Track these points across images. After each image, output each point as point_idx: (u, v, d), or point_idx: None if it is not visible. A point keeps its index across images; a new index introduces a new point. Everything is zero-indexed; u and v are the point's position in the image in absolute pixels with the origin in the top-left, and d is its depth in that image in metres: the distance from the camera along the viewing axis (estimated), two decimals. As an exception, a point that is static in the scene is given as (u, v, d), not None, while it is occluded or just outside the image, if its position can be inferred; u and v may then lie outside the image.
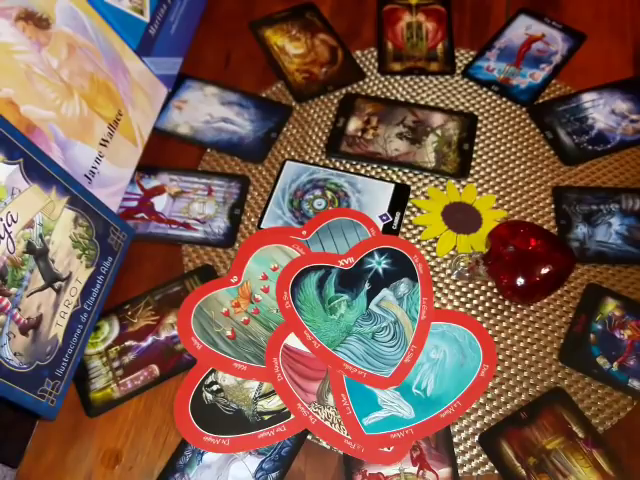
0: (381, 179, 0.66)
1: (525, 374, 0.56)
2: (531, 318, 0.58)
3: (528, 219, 0.64)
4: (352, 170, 0.67)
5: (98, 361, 0.57)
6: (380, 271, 0.59)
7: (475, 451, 0.53)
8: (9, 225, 0.47)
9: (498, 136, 0.69)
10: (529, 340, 0.57)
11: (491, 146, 0.68)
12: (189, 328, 0.57)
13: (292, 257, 0.60)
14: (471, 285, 0.60)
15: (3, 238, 0.47)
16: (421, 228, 0.63)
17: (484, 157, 0.68)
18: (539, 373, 0.56)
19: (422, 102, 0.72)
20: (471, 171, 0.66)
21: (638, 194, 0.64)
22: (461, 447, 0.53)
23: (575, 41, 0.75)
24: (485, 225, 0.63)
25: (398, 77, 0.74)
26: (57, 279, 0.53)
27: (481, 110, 0.71)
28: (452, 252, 0.62)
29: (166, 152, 0.69)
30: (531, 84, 0.72)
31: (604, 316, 0.57)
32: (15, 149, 0.49)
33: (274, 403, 0.54)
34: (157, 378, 0.56)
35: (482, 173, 0.67)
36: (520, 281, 0.56)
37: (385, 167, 0.67)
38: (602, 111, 0.69)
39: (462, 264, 0.60)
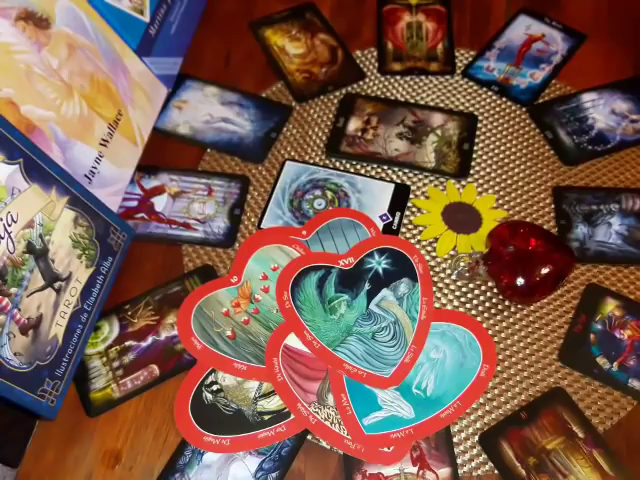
0: (381, 179, 0.66)
1: (525, 374, 0.56)
2: (531, 318, 0.58)
3: (528, 219, 0.64)
4: (352, 170, 0.67)
5: (98, 361, 0.57)
6: (380, 271, 0.59)
7: (475, 451, 0.53)
8: (9, 225, 0.47)
9: (498, 136, 0.69)
10: (529, 340, 0.57)
11: (491, 146, 0.68)
12: (189, 328, 0.57)
13: (292, 257, 0.60)
14: (471, 285, 0.60)
15: (3, 238, 0.47)
16: (421, 228, 0.63)
17: (484, 157, 0.68)
18: (539, 373, 0.56)
19: (422, 102, 0.72)
20: (471, 171, 0.66)
21: (638, 194, 0.64)
22: (461, 447, 0.53)
23: (575, 41, 0.75)
24: (485, 225, 0.63)
25: (398, 77, 0.74)
26: (57, 279, 0.53)
27: (481, 110, 0.71)
28: (452, 252, 0.62)
29: (166, 152, 0.69)
30: (531, 84, 0.72)
31: (604, 316, 0.57)
32: (15, 149, 0.49)
33: (274, 403, 0.54)
34: (157, 378, 0.56)
35: (482, 173, 0.67)
36: (520, 281, 0.56)
37: (385, 167, 0.67)
38: (602, 111, 0.69)
39: (462, 264, 0.60)
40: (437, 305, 0.59)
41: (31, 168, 0.50)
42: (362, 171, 0.67)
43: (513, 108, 0.71)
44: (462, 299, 0.60)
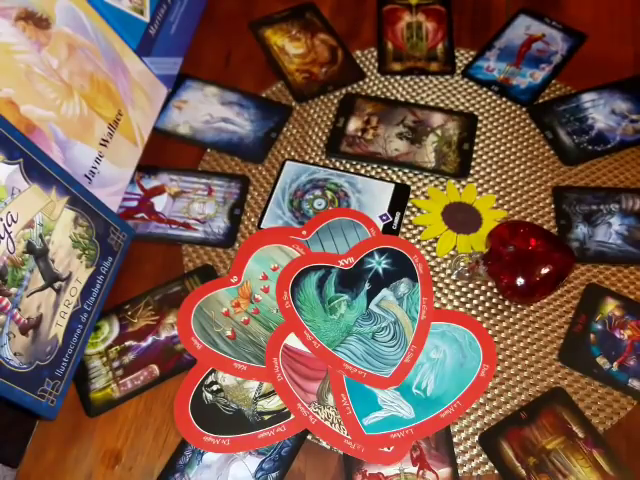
0: (381, 179, 0.66)
1: (525, 374, 0.56)
2: (531, 318, 0.58)
3: (528, 219, 0.64)
4: (352, 170, 0.67)
5: (98, 361, 0.57)
6: (380, 271, 0.59)
7: (475, 451, 0.53)
8: (9, 225, 0.47)
9: (498, 136, 0.69)
10: (529, 340, 0.57)
11: (491, 146, 0.68)
12: (189, 328, 0.57)
13: (292, 257, 0.60)
14: (471, 285, 0.60)
15: (3, 238, 0.47)
16: (421, 228, 0.63)
17: (484, 157, 0.68)
18: (539, 373, 0.56)
19: (422, 102, 0.72)
20: (471, 171, 0.66)
21: (638, 194, 0.64)
22: (461, 447, 0.53)
23: (575, 41, 0.75)
24: (485, 225, 0.63)
25: (398, 77, 0.74)
26: (57, 279, 0.53)
27: (481, 110, 0.71)
28: (452, 252, 0.62)
29: (166, 152, 0.69)
30: (531, 84, 0.72)
31: (604, 316, 0.57)
32: (15, 149, 0.49)
33: (274, 403, 0.54)
34: (157, 378, 0.56)
35: (482, 173, 0.67)
36: (520, 281, 0.56)
37: (385, 167, 0.67)
38: (602, 111, 0.69)
39: (462, 264, 0.60)
40: (437, 305, 0.59)
41: (31, 168, 0.50)
42: (362, 171, 0.67)
43: (513, 108, 0.71)
44: (462, 299, 0.60)
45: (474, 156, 0.68)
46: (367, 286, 0.59)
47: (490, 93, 0.72)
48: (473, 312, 0.59)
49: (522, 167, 0.67)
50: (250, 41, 0.77)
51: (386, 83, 0.73)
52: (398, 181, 0.66)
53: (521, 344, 0.57)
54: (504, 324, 0.58)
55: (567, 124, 0.69)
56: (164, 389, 0.56)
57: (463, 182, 0.66)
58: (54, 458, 0.54)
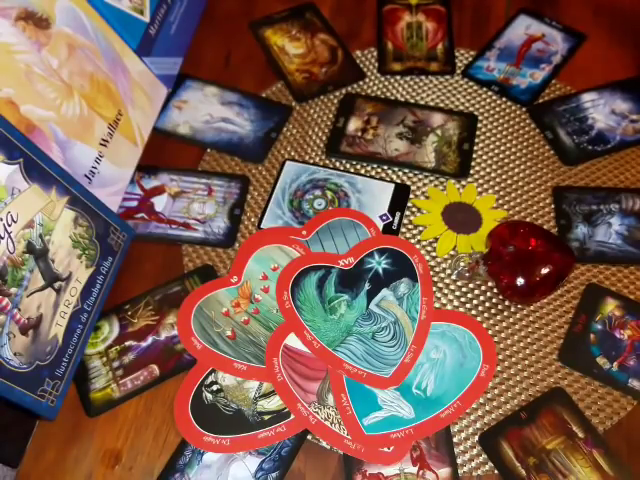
0: (381, 179, 0.66)
1: (525, 374, 0.56)
2: (531, 318, 0.58)
3: (528, 219, 0.64)
4: (352, 170, 0.67)
5: (98, 361, 0.57)
6: (380, 271, 0.59)
7: (475, 451, 0.53)
8: (9, 225, 0.47)
9: (498, 136, 0.69)
10: (529, 340, 0.57)
11: (491, 146, 0.68)
12: (189, 328, 0.57)
13: (292, 257, 0.60)
14: (471, 285, 0.60)
15: (3, 238, 0.47)
16: (421, 228, 0.63)
17: (484, 157, 0.68)
18: (539, 373, 0.56)
19: (422, 102, 0.72)
20: (471, 171, 0.66)
21: (638, 194, 0.64)
22: (461, 447, 0.53)
23: (575, 41, 0.75)
24: (485, 225, 0.63)
25: (398, 77, 0.74)
26: (57, 279, 0.53)
27: (481, 110, 0.71)
28: (452, 252, 0.62)
29: (166, 152, 0.69)
30: (531, 84, 0.72)
31: (604, 316, 0.57)
32: (15, 149, 0.49)
33: (274, 403, 0.54)
34: (157, 378, 0.56)
35: (482, 173, 0.67)
36: (520, 281, 0.56)
37: (385, 167, 0.67)
38: (602, 111, 0.69)
39: (462, 264, 0.60)
40: (437, 305, 0.59)
41: (31, 168, 0.50)
42: (362, 171, 0.67)
43: (513, 108, 0.71)
44: (462, 299, 0.60)
45: (474, 156, 0.68)
46: (367, 286, 0.59)
47: (490, 93, 0.72)
48: (473, 312, 0.59)
49: (522, 167, 0.67)
50: (250, 41, 0.77)
51: (386, 83, 0.73)
52: (398, 181, 0.66)
53: (521, 344, 0.57)
54: (504, 324, 0.58)
55: (567, 124, 0.69)
56: (164, 389, 0.56)
57: (463, 182, 0.66)
58: (54, 458, 0.54)
